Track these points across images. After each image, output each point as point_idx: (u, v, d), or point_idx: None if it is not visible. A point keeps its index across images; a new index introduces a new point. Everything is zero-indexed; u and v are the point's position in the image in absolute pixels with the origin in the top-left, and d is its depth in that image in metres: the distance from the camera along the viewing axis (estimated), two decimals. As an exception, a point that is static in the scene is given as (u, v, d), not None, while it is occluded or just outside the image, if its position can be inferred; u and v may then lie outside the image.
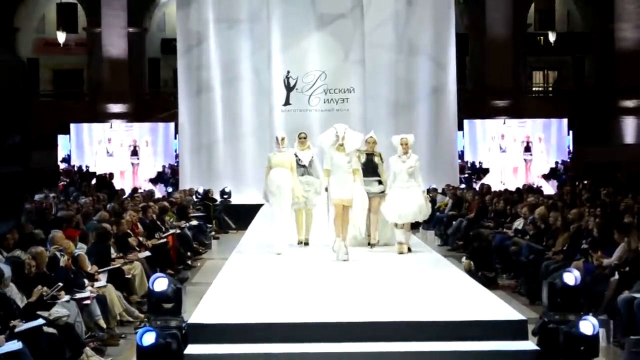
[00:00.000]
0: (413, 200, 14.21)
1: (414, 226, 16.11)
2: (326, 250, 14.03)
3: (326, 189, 14.23)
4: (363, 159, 14.71)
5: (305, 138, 15.58)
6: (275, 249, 14.30)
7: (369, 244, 14.94)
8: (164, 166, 33.72)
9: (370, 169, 14.81)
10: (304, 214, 15.33)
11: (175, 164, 32.29)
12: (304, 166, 15.15)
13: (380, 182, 14.84)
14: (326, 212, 14.96)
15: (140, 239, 16.73)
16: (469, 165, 33.74)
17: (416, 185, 14.33)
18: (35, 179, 28.46)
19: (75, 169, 33.73)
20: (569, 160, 33.61)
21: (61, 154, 34.72)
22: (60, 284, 11.00)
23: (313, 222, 15.50)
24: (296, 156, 15.07)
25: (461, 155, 32.54)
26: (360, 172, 14.23)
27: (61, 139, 34.58)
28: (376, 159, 14.98)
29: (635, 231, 13.10)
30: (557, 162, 33.35)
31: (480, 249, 16.73)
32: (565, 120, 33.61)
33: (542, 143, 33.22)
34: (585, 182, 27.63)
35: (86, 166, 33.52)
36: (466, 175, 32.63)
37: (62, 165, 34.26)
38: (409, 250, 14.52)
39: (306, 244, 15.29)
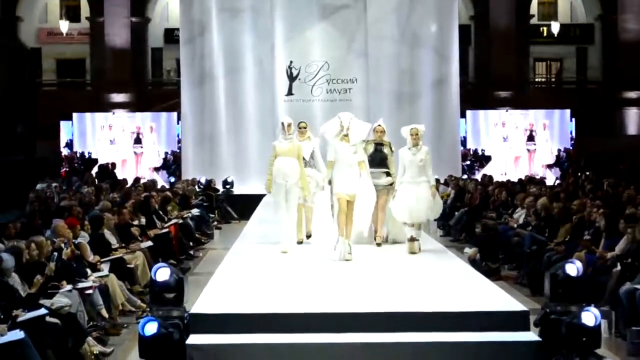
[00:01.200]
0: (423, 198, 13.32)
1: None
2: (328, 248, 13.15)
3: (329, 182, 13.11)
4: (371, 149, 13.76)
5: (305, 128, 14.40)
6: (281, 247, 13.36)
7: (377, 243, 13.91)
8: (166, 153, 33.61)
9: (378, 160, 13.81)
10: (302, 210, 14.24)
11: (178, 150, 32.23)
12: (303, 158, 13.79)
13: (388, 174, 13.83)
14: (330, 208, 13.64)
15: (136, 223, 16.80)
16: (471, 152, 33.70)
17: (426, 180, 13.44)
18: (39, 168, 28.50)
19: (78, 155, 33.59)
20: (571, 147, 33.53)
21: (63, 139, 34.52)
22: (39, 276, 10.97)
23: (313, 216, 14.56)
24: None
25: (464, 142, 32.56)
26: (366, 164, 13.19)
27: (63, 125, 34.40)
28: (385, 150, 13.94)
29: (639, 222, 13.11)
30: (559, 150, 33.30)
31: (488, 239, 16.68)
32: (567, 110, 33.56)
33: (547, 130, 33.16)
34: (588, 173, 27.64)
35: (89, 153, 33.41)
36: (469, 162, 32.65)
37: (65, 152, 34.14)
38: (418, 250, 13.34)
39: (308, 236, 14.44)
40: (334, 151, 12.90)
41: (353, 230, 13.03)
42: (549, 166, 32.82)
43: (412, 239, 13.31)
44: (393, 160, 13.95)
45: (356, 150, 12.88)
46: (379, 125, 14.07)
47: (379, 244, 13.94)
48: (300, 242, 14.18)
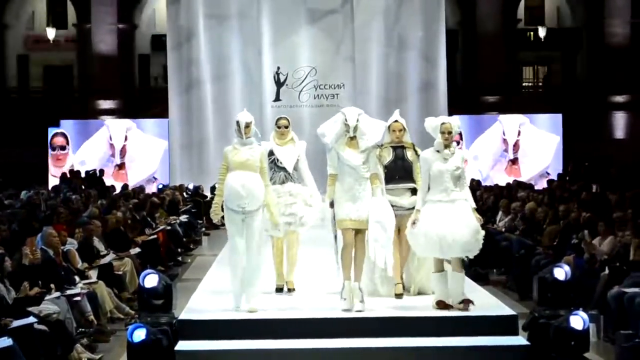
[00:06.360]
0: (461, 223, 9.58)
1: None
2: (334, 294, 10.02)
3: (331, 205, 9.75)
4: (390, 155, 10.29)
5: (287, 127, 10.87)
6: (235, 302, 9.88)
7: (395, 294, 10.24)
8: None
9: (400, 170, 10.28)
10: (284, 243, 10.81)
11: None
12: (283, 169, 10.72)
13: (415, 192, 10.12)
14: (333, 242, 10.04)
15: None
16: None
17: (463, 197, 9.74)
18: (26, 175, 28.52)
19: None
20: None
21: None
22: (27, 283, 10.91)
23: (298, 253, 10.93)
24: (272, 154, 10.78)
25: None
26: (381, 178, 10.04)
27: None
28: (409, 155, 10.39)
29: (627, 225, 13.13)
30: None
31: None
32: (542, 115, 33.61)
33: (531, 137, 33.16)
34: (574, 177, 27.70)
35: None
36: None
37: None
38: (467, 303, 9.66)
39: (290, 289, 10.79)
40: (336, 161, 9.76)
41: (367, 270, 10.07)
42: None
43: (440, 299, 9.79)
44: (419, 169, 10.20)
45: (367, 159, 9.75)
46: (396, 121, 10.52)
47: (398, 295, 10.25)
48: (280, 290, 10.86)
